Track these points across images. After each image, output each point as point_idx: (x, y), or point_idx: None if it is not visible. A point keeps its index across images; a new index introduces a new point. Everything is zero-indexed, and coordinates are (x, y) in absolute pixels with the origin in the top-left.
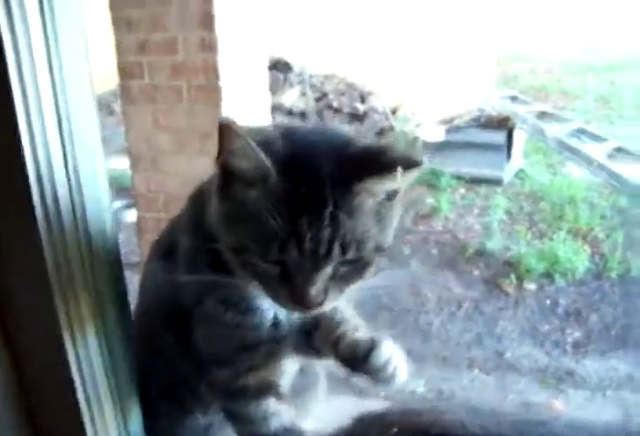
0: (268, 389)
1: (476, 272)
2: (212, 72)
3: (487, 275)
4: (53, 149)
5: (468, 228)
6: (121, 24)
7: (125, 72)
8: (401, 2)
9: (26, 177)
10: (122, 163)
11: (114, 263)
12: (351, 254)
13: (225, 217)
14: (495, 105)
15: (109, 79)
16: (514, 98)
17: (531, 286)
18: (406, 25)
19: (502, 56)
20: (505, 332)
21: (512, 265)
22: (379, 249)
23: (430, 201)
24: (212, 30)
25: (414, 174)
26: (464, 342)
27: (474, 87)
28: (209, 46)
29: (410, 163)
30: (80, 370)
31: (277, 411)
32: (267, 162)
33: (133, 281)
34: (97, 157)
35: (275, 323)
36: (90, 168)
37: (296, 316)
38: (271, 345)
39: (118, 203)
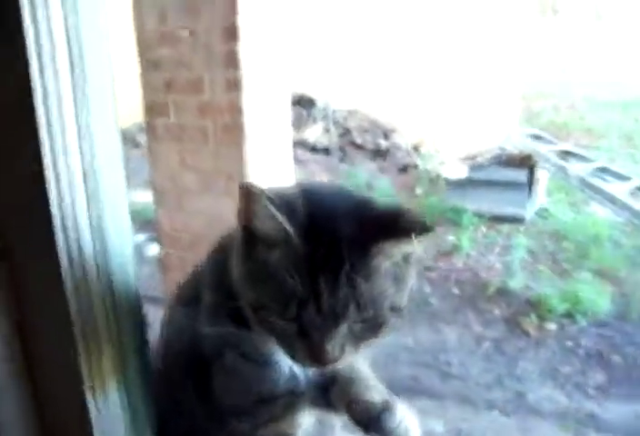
0: None
1: (497, 311)
2: (237, 111)
3: (508, 314)
4: (78, 204)
5: (489, 266)
6: (148, 63)
7: (151, 110)
8: (426, 40)
9: (53, 230)
10: (146, 196)
11: (136, 315)
12: (367, 314)
13: (247, 276)
14: (518, 144)
15: (134, 113)
16: (536, 137)
17: (552, 326)
18: (431, 63)
19: (526, 92)
20: (526, 373)
21: (533, 305)
22: (395, 309)
23: (451, 238)
24: (237, 69)
25: (428, 239)
26: (483, 383)
27: (498, 124)
28: (234, 86)
29: (424, 229)
30: (100, 423)
31: None
32: (288, 225)
33: (153, 313)
34: (123, 210)
35: (293, 377)
36: (114, 220)
37: (313, 371)
38: (288, 398)
39: (141, 237)
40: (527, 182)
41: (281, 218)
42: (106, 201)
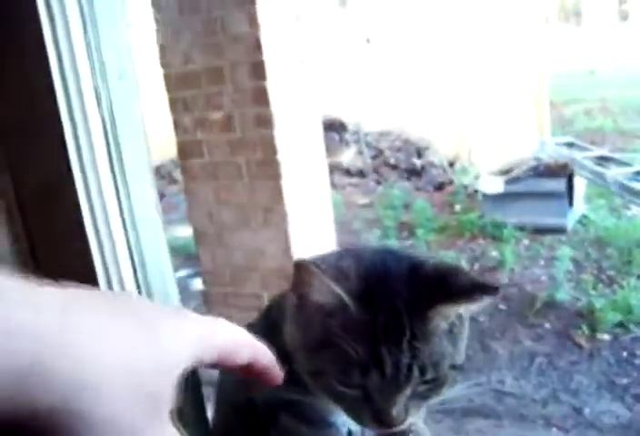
0: None
1: (547, 325)
2: (269, 147)
3: (558, 327)
4: (119, 248)
5: (535, 279)
6: (177, 104)
7: (184, 150)
8: (452, 54)
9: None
10: (187, 231)
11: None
12: (429, 376)
13: (304, 344)
14: (552, 153)
15: (169, 149)
16: (570, 144)
17: (605, 337)
18: (459, 77)
19: (556, 99)
20: (582, 387)
21: (583, 316)
22: (455, 366)
23: (494, 254)
24: (267, 106)
25: (488, 299)
26: (539, 399)
27: (530, 134)
28: (265, 122)
29: (486, 290)
30: None
31: None
32: (344, 295)
33: None
34: (162, 249)
35: None
36: (155, 259)
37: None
38: None
39: (185, 271)
40: (566, 191)
41: (338, 289)
42: (145, 240)
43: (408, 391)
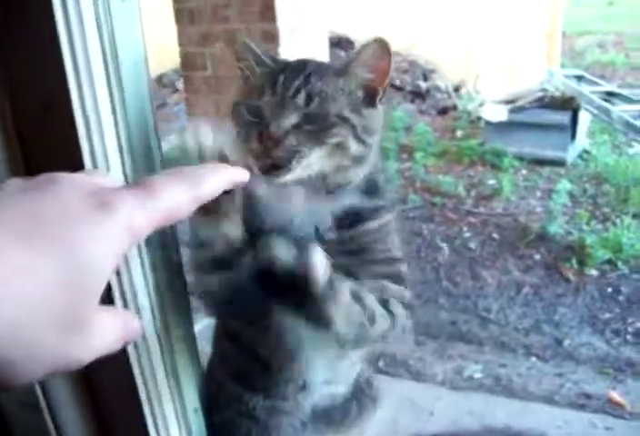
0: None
1: (537, 257)
2: None
3: (548, 260)
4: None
5: (530, 211)
6: (183, 15)
7: (188, 62)
8: None
9: None
10: None
11: (192, 352)
12: (314, 105)
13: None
14: (560, 85)
15: (172, 58)
16: (579, 77)
17: (592, 272)
18: (470, 1)
19: (569, 30)
20: (565, 319)
21: (573, 250)
22: (343, 119)
23: (492, 182)
24: (274, 22)
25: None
26: (522, 328)
27: (538, 63)
28: (271, 38)
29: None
30: None
31: None
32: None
33: None
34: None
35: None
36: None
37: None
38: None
39: None
40: (570, 124)
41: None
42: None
43: (294, 116)
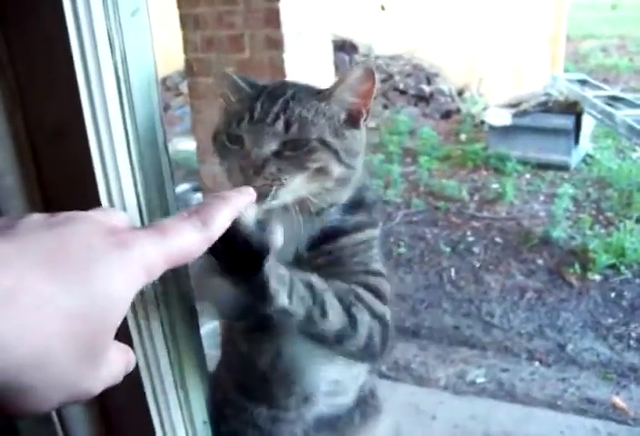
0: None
1: (540, 261)
2: (278, 69)
3: (551, 264)
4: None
5: (533, 215)
6: (188, 20)
7: (192, 68)
8: None
9: None
10: (190, 145)
11: (200, 364)
12: (293, 131)
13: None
14: (563, 89)
15: (176, 60)
16: (582, 82)
17: (595, 277)
18: (474, 5)
19: (572, 33)
20: (568, 324)
21: (576, 255)
22: (324, 143)
23: (495, 186)
24: (278, 28)
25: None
26: (525, 333)
27: (542, 67)
28: (275, 44)
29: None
30: None
31: None
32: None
33: None
34: (165, 170)
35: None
36: (156, 174)
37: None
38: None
39: (186, 186)
40: (573, 128)
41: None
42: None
43: (273, 142)
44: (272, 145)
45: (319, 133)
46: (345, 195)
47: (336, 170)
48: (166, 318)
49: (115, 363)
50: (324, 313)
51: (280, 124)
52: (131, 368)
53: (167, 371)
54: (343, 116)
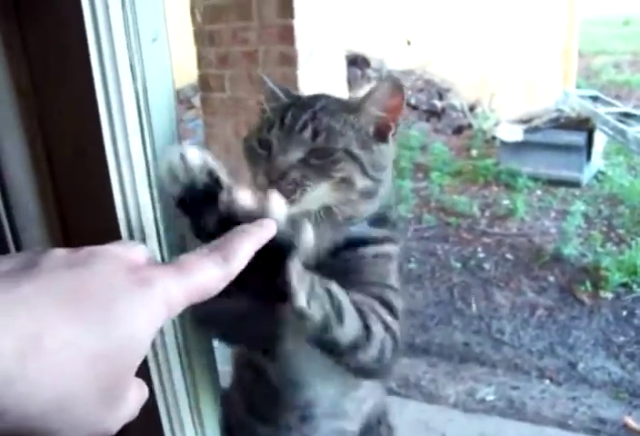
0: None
1: (551, 279)
2: (292, 85)
3: (562, 282)
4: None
5: (544, 232)
6: (203, 36)
7: (206, 83)
8: None
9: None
10: None
11: (214, 388)
12: (320, 140)
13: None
14: (575, 105)
15: (188, 73)
16: (595, 98)
17: (607, 295)
18: (486, 20)
19: (584, 49)
20: (579, 342)
21: (588, 272)
22: (350, 154)
23: (506, 202)
24: (292, 44)
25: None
26: (535, 351)
27: (554, 83)
28: (289, 60)
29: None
30: None
31: None
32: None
33: None
34: None
35: None
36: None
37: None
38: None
39: None
40: (585, 145)
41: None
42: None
43: (300, 150)
44: (298, 152)
45: (345, 144)
46: (370, 208)
47: (360, 182)
48: (183, 346)
49: (134, 401)
50: (340, 320)
51: (308, 133)
52: (144, 401)
53: (183, 396)
54: (371, 129)
